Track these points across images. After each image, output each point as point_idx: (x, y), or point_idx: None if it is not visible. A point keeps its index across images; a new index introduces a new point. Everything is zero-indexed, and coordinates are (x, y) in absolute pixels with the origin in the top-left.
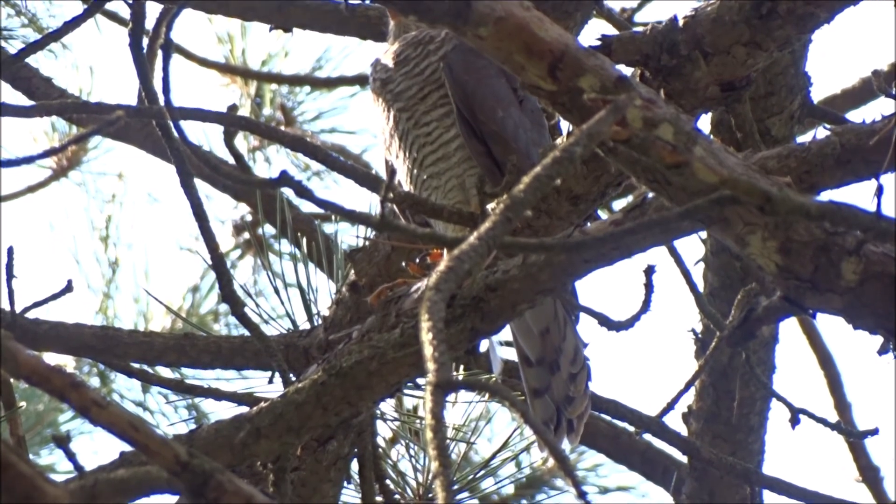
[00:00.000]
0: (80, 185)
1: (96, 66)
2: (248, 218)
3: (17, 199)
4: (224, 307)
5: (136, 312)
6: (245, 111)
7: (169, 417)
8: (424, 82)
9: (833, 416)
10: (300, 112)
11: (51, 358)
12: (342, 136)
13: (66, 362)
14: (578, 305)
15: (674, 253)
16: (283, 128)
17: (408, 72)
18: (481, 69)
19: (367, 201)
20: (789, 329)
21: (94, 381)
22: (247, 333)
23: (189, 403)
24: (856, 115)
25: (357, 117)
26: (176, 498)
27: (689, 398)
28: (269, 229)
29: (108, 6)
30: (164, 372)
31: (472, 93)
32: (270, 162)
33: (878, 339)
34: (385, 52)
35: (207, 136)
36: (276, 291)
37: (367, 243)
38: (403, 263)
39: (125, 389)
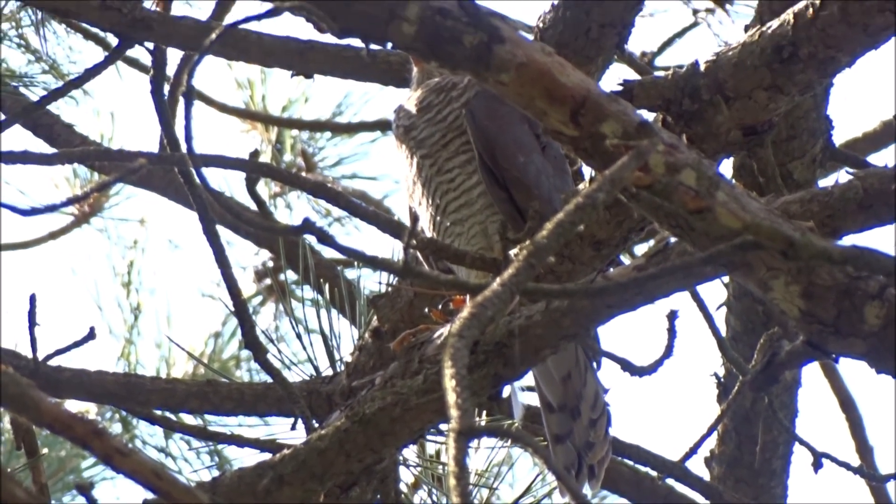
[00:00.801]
0: (102, 230)
1: (117, 111)
2: (270, 264)
3: (39, 245)
4: (246, 353)
5: (159, 358)
6: (266, 157)
7: (192, 464)
8: (447, 129)
9: (855, 460)
10: (321, 158)
11: (73, 404)
12: (363, 182)
13: (88, 408)
14: (601, 350)
15: (696, 297)
16: (304, 174)
17: (430, 118)
18: (503, 115)
19: (389, 247)
20: (811, 373)
21: (117, 428)
22: (269, 380)
23: (212, 450)
24: (877, 158)
25: (378, 163)
26: None
27: (712, 442)
28: (290, 275)
29: (129, 53)
30: (187, 418)
31: (494, 139)
32: (292, 208)
33: None
34: (408, 98)
35: (229, 183)
36: (299, 337)
37: (389, 289)
38: (426, 309)
39: (147, 435)
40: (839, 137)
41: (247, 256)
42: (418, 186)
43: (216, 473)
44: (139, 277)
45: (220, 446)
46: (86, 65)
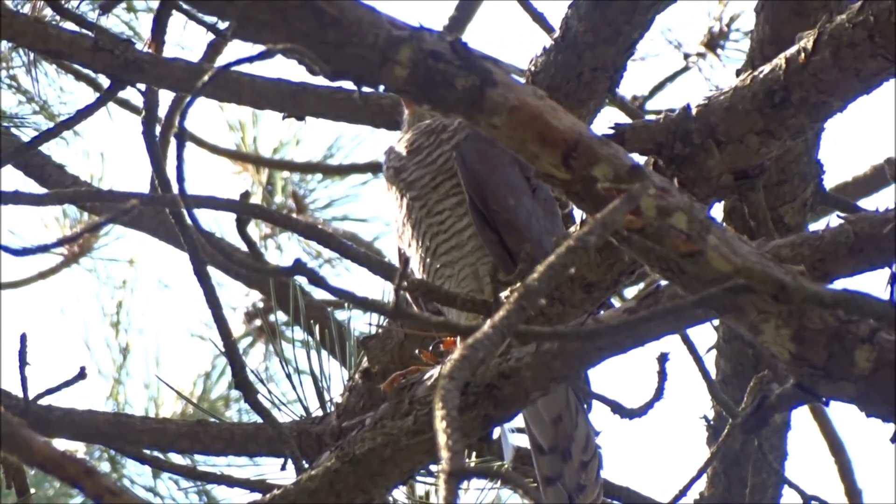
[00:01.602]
0: (92, 271)
1: (108, 152)
2: (261, 305)
3: (28, 285)
4: (235, 393)
5: (147, 398)
6: (257, 198)
7: (180, 503)
8: (437, 171)
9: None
10: (312, 199)
11: (61, 444)
12: (354, 224)
13: (77, 448)
14: (591, 393)
15: (686, 340)
16: (295, 215)
17: (420, 161)
18: (493, 158)
19: (379, 289)
20: (800, 416)
21: (105, 467)
22: (259, 420)
23: (200, 489)
24: (868, 203)
25: (368, 205)
26: None
27: (702, 485)
28: (281, 316)
29: (120, 94)
30: (176, 459)
31: (485, 182)
32: (282, 249)
33: (891, 427)
34: (398, 140)
35: (219, 224)
36: (289, 377)
37: (380, 331)
38: (417, 351)
39: (136, 475)
40: (830, 182)
41: (237, 297)
42: (408, 228)
43: None
44: (128, 317)
45: (209, 486)
46: (77, 105)
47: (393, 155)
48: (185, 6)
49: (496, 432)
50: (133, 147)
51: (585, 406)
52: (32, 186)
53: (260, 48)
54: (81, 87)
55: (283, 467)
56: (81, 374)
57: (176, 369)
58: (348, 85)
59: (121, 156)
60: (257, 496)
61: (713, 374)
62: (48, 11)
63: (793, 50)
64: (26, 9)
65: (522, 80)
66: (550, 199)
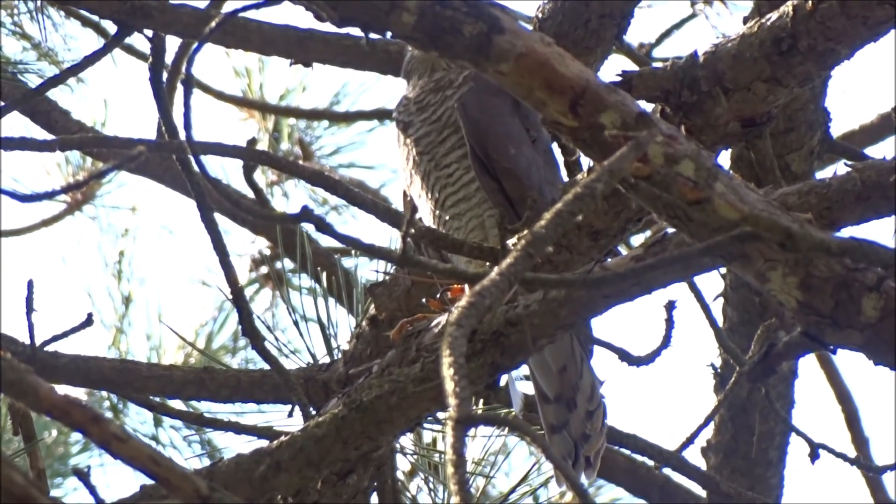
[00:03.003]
0: (94, 218)
1: (113, 99)
2: (267, 252)
3: (30, 232)
4: (240, 343)
5: (149, 348)
6: (263, 146)
7: (182, 453)
8: (442, 127)
9: (851, 452)
10: (318, 147)
11: (64, 390)
12: (360, 171)
13: (79, 395)
14: (598, 340)
15: (693, 288)
16: (301, 163)
17: (426, 118)
18: (494, 108)
19: (386, 236)
20: (808, 365)
21: (107, 415)
22: (266, 367)
23: (203, 438)
24: (875, 151)
25: (375, 152)
26: None
27: (709, 433)
28: (287, 263)
29: (126, 40)
30: (181, 406)
31: (485, 131)
32: (288, 196)
33: None
34: (408, 92)
35: (226, 171)
36: (296, 324)
37: (387, 278)
38: (424, 299)
39: (138, 423)
40: (837, 130)
41: (243, 245)
42: (417, 180)
43: (207, 462)
44: (130, 267)
45: (211, 435)
46: (83, 53)
47: (402, 108)
48: None
49: (503, 380)
50: (138, 95)
51: (588, 353)
52: (39, 133)
53: None
54: (88, 34)
55: (290, 414)
56: (88, 321)
57: (178, 319)
58: (356, 31)
59: (126, 104)
60: (265, 443)
61: (720, 322)
62: None
63: None
64: None
65: (530, 28)
66: (550, 150)
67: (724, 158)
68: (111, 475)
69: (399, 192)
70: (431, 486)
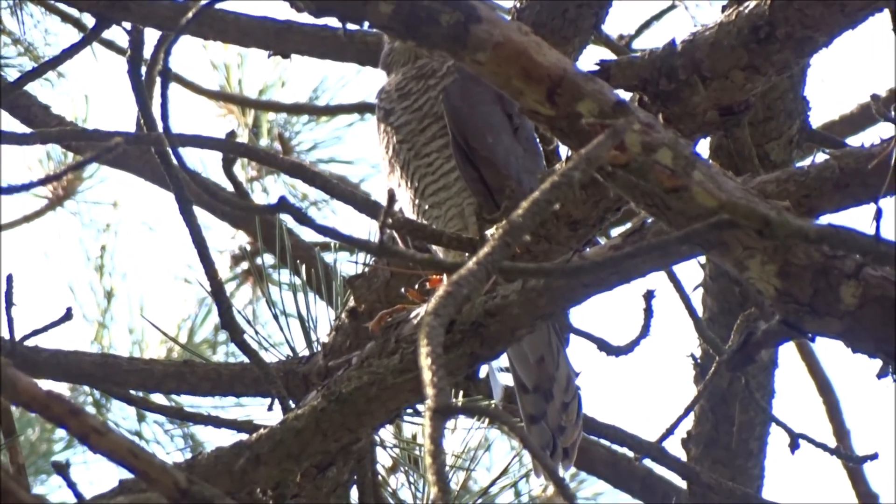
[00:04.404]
0: (76, 214)
1: (91, 94)
2: (248, 248)
3: (12, 228)
4: (221, 337)
5: (131, 342)
6: (243, 141)
7: (165, 447)
8: (424, 115)
9: (832, 443)
10: (298, 142)
11: (48, 385)
12: (340, 166)
13: (62, 391)
14: (576, 330)
15: (673, 278)
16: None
17: (408, 106)
18: (475, 96)
19: (365, 230)
20: (788, 356)
21: (90, 411)
22: (246, 361)
23: (185, 433)
24: (854, 141)
25: (355, 147)
26: None
27: (689, 423)
28: (267, 259)
29: (104, 35)
30: (162, 401)
31: (466, 119)
32: (268, 192)
33: (878, 363)
34: (390, 80)
35: (205, 166)
36: (276, 318)
37: (366, 270)
38: (403, 289)
39: (121, 419)
40: (817, 121)
41: (223, 240)
42: (396, 169)
43: (189, 457)
44: (112, 262)
45: (193, 430)
46: (62, 47)
47: (384, 96)
48: None
49: (483, 371)
50: (119, 91)
51: (564, 343)
52: (18, 127)
53: None
54: (67, 29)
55: (270, 408)
56: (68, 315)
57: (160, 314)
58: (334, 23)
59: (106, 99)
60: (244, 437)
61: (700, 312)
62: None
63: None
64: None
65: (507, 17)
66: (532, 139)
67: (704, 148)
68: (94, 473)
69: (379, 187)
70: (412, 480)
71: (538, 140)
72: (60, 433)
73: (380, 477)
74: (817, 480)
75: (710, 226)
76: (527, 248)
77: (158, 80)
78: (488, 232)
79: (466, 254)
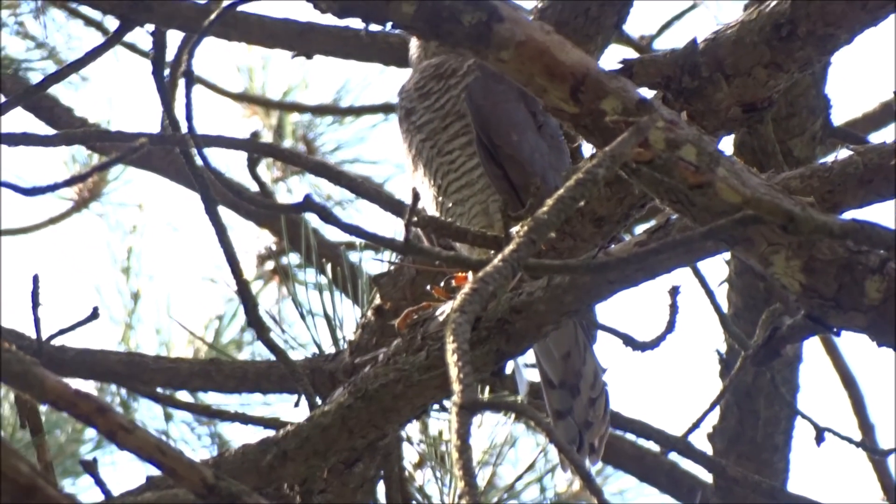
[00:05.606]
0: (101, 215)
1: (115, 97)
2: (273, 247)
3: (38, 230)
4: (247, 337)
5: (158, 343)
6: (267, 141)
7: (192, 446)
8: (446, 114)
9: (857, 438)
10: (322, 143)
11: (75, 384)
12: (365, 167)
13: (90, 390)
14: (603, 326)
15: (698, 274)
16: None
17: (429, 105)
18: (499, 94)
19: (390, 229)
20: (813, 351)
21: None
22: (272, 359)
23: (212, 432)
24: (876, 139)
25: (379, 148)
26: None
27: (714, 418)
28: (293, 259)
29: (127, 38)
30: (188, 399)
31: (489, 117)
32: (292, 192)
33: None
34: (410, 79)
35: (229, 167)
36: (302, 317)
37: (391, 268)
38: (428, 287)
39: (148, 418)
40: (839, 119)
41: (248, 240)
42: (420, 167)
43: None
44: (138, 263)
45: (220, 428)
46: (85, 52)
47: (405, 95)
48: None
49: (509, 367)
50: (141, 93)
51: (591, 340)
52: (43, 129)
53: None
54: (90, 33)
55: (297, 405)
56: (94, 315)
57: (187, 315)
58: (357, 23)
59: (129, 102)
60: (271, 433)
61: (725, 307)
62: None
63: None
64: None
65: (530, 17)
66: (557, 136)
67: (727, 145)
68: (121, 473)
69: (404, 187)
70: (439, 475)
71: (563, 137)
72: (88, 434)
73: (406, 472)
74: (841, 475)
75: (735, 222)
76: (552, 245)
77: (182, 80)
78: (513, 229)
79: (492, 251)
